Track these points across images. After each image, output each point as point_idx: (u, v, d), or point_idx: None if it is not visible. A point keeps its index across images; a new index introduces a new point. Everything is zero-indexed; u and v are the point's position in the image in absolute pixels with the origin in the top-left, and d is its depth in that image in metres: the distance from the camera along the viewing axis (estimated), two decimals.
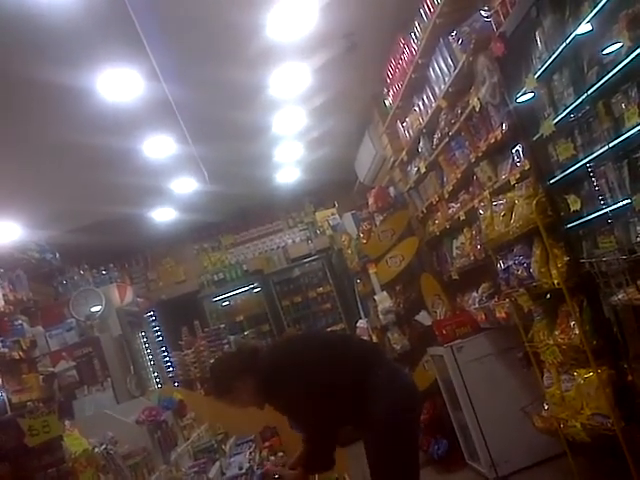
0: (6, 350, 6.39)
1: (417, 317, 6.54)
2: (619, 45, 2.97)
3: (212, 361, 4.85)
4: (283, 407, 3.45)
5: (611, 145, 3.15)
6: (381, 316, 6.85)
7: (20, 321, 7.03)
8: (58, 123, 5.41)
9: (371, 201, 7.25)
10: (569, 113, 3.46)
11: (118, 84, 5.09)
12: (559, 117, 3.54)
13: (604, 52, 3.09)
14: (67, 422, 3.40)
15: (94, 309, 7.86)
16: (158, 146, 6.62)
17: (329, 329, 10.33)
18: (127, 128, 5.97)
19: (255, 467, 4.46)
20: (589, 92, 3.20)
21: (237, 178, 8.59)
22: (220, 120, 6.53)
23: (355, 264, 7.66)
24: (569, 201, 3.66)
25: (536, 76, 3.63)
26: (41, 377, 6.78)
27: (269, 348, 3.90)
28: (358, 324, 7.93)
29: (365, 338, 7.46)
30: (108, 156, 6.41)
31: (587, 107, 3.32)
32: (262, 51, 5.40)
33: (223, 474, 4.15)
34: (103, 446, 3.07)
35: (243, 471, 4.05)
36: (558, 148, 3.64)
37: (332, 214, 10.46)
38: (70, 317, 7.71)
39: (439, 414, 6.17)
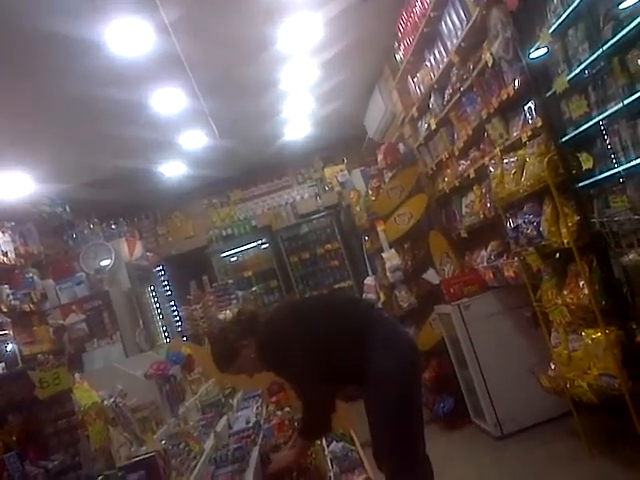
0: (17, 302, 6.46)
1: (425, 275, 6.54)
2: (636, 0, 2.90)
3: (210, 337, 4.85)
4: (283, 371, 3.46)
5: (626, 102, 3.09)
6: (389, 274, 6.85)
7: (31, 274, 7.10)
8: (67, 76, 5.36)
9: (380, 157, 7.19)
10: (583, 69, 3.40)
11: (127, 36, 5.01)
12: (573, 73, 3.47)
13: (620, 7, 3.02)
14: (77, 375, 3.43)
15: (104, 263, 7.90)
16: (167, 100, 6.55)
17: (336, 286, 10.38)
18: (137, 81, 5.91)
19: (262, 421, 4.53)
20: (604, 48, 3.13)
21: (246, 133, 8.54)
22: (230, 74, 6.45)
23: (363, 221, 7.64)
24: (581, 159, 3.62)
25: (550, 31, 3.55)
26: (51, 330, 6.87)
27: (268, 314, 3.92)
28: (366, 281, 7.94)
29: (372, 296, 7.48)
30: (118, 109, 6.36)
31: (602, 63, 3.25)
32: (272, 3, 5.30)
33: (230, 428, 4.20)
34: (112, 399, 3.10)
35: (250, 425, 4.10)
36: (571, 105, 3.58)
37: (341, 170, 10.41)
38: (80, 271, 7.76)
39: (445, 372, 6.21)
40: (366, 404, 3.28)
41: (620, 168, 3.32)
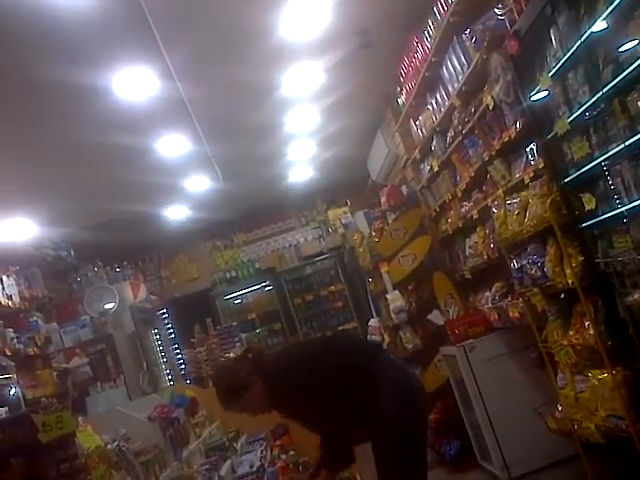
0: (21, 346, 6.43)
1: (429, 316, 6.52)
2: (635, 43, 2.94)
3: (215, 372, 4.80)
4: (291, 411, 3.41)
5: (627, 143, 3.12)
6: (393, 315, 6.83)
7: (35, 317, 7.08)
8: (73, 122, 5.44)
9: (383, 199, 7.24)
10: (584, 111, 3.44)
11: (133, 83, 5.11)
12: (574, 115, 3.51)
13: (620, 50, 3.06)
14: (80, 418, 3.42)
15: (108, 306, 7.90)
16: (172, 145, 6.64)
17: (340, 327, 10.33)
18: (142, 127, 6.00)
19: (266, 465, 4.48)
20: (604, 90, 3.18)
21: (250, 176, 8.61)
22: (233, 119, 6.54)
23: (367, 263, 7.65)
24: (584, 200, 3.63)
25: (550, 74, 3.60)
26: (55, 373, 6.83)
27: (275, 353, 3.90)
28: (370, 323, 7.91)
29: (376, 337, 7.45)
30: (123, 154, 6.44)
31: (602, 105, 3.29)
32: (275, 50, 5.40)
33: (234, 472, 4.16)
34: (115, 443, 3.09)
35: (254, 469, 4.06)
36: (573, 147, 3.61)
37: (344, 212, 10.45)
38: (84, 314, 7.75)
39: (451, 414, 6.15)
40: (373, 446, 3.25)
41: (623, 208, 3.33)
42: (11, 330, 6.39)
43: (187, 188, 8.35)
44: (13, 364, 6.03)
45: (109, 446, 3.03)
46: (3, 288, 6.40)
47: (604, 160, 3.39)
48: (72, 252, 8.06)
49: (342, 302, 10.56)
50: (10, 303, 6.46)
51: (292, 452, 5.16)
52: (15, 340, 6.37)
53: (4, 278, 6.48)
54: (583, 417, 3.93)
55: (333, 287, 10.64)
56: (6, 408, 5.34)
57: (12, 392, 5.77)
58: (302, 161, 8.90)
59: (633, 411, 3.53)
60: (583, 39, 3.24)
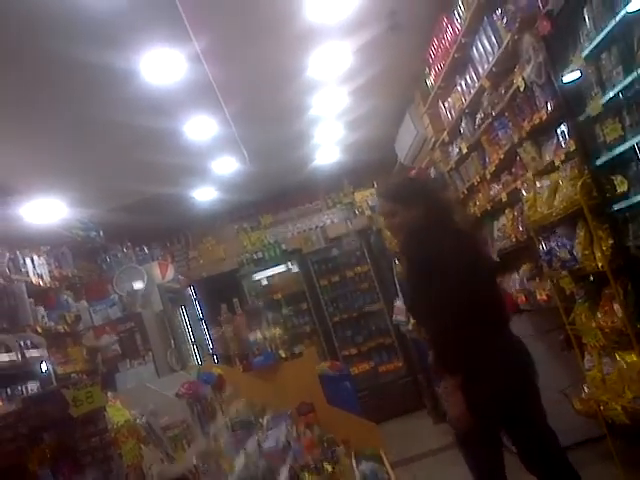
0: (52, 324, 6.56)
1: None
2: None
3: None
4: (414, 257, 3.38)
5: None
6: None
7: (65, 296, 7.21)
8: (103, 104, 5.47)
9: None
10: (618, 93, 3.39)
11: (161, 65, 5.12)
12: (607, 97, 3.47)
13: None
14: (110, 394, 3.47)
15: (136, 286, 7.99)
16: (200, 127, 6.66)
17: (367, 309, 10.34)
18: (170, 109, 6.02)
19: (292, 441, 4.52)
20: (639, 71, 3.13)
21: (277, 158, 8.61)
22: (261, 101, 6.54)
23: (393, 244, 7.63)
24: (615, 182, 3.60)
25: (584, 55, 3.56)
26: (85, 350, 6.95)
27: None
28: (395, 304, 7.90)
29: (401, 318, 7.44)
30: (151, 136, 6.47)
31: (637, 86, 3.25)
32: (304, 32, 5.37)
33: (260, 447, 4.20)
34: (144, 417, 3.13)
35: (280, 445, 4.10)
36: (605, 128, 3.57)
37: (371, 194, 10.43)
38: (113, 293, 7.86)
39: None
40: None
41: None
42: (42, 308, 6.51)
43: (214, 170, 8.38)
44: (44, 341, 6.15)
45: (138, 421, 3.07)
46: (34, 267, 6.52)
47: (637, 142, 3.35)
48: (101, 233, 8.17)
49: (368, 283, 10.54)
50: (41, 282, 6.58)
51: (317, 428, 5.20)
52: (46, 318, 6.49)
53: (35, 258, 6.60)
54: (610, 398, 3.92)
55: (359, 268, 10.62)
56: (38, 384, 5.46)
57: (44, 368, 5.89)
58: (329, 143, 8.87)
59: None
60: (618, 19, 3.19)
